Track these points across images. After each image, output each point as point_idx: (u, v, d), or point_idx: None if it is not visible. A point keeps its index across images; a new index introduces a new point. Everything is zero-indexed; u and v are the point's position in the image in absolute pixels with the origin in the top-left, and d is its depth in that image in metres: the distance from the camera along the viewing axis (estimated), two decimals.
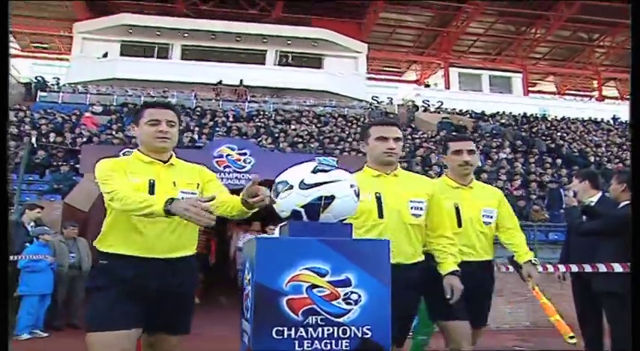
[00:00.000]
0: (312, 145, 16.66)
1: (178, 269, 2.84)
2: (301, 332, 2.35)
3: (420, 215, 3.16)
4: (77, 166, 13.28)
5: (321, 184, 2.21)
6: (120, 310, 2.70)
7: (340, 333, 2.35)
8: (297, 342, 2.35)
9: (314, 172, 2.23)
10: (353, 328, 2.37)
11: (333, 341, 2.41)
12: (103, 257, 2.84)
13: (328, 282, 2.28)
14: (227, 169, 9.70)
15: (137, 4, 30.81)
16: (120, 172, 2.83)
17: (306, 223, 2.40)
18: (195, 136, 17.46)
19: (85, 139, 16.12)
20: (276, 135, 18.18)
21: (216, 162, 9.64)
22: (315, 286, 2.29)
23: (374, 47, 33.73)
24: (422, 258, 3.21)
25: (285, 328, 2.32)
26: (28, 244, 8.05)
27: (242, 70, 29.35)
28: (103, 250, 2.85)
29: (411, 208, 3.12)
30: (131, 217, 2.76)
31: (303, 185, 2.24)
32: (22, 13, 32.05)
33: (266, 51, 31.60)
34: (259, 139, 17.47)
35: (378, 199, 3.06)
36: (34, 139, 15.56)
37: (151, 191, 2.81)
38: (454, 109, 28.99)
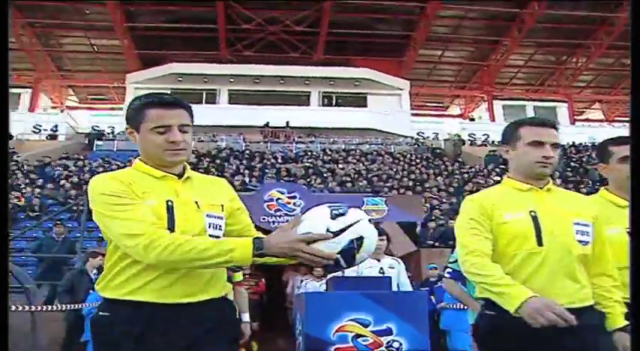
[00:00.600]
0: (360, 184, 17.06)
1: (203, 317, 2.15)
2: None
3: (588, 243, 2.41)
4: None
5: (347, 227, 2.14)
6: None
7: None
8: None
9: (333, 217, 2.14)
10: None
11: None
12: (104, 307, 2.20)
13: (371, 331, 2.67)
14: (278, 212, 10.09)
15: (184, 53, 32.09)
16: (132, 197, 2.13)
17: (348, 278, 2.81)
18: (246, 179, 18.09)
19: None
20: (325, 175, 18.66)
21: (267, 206, 10.04)
22: (359, 335, 2.69)
23: (416, 83, 34.22)
24: (592, 302, 2.40)
25: None
26: (91, 291, 8.29)
27: (287, 112, 30.17)
28: (106, 296, 2.19)
29: (577, 232, 2.38)
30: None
31: (331, 233, 2.12)
32: (80, 68, 33.89)
33: (310, 92, 32.44)
34: (308, 179, 17.99)
35: (535, 220, 2.37)
36: None
37: (170, 216, 2.13)
38: (500, 141, 29.01)
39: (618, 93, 36.28)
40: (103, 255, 9.44)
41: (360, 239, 2.11)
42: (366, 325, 2.66)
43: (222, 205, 2.27)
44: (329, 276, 5.67)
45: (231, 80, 31.78)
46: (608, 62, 34.37)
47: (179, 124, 2.17)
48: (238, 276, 4.64)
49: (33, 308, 7.38)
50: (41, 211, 14.16)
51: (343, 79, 32.01)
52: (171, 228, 2.09)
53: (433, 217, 13.21)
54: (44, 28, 31.12)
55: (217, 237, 2.17)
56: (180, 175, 2.25)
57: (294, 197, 10.06)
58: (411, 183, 17.75)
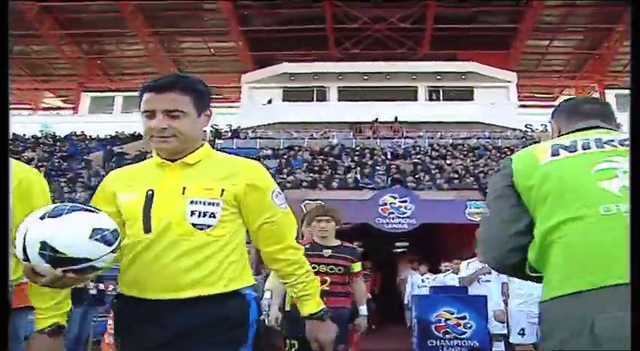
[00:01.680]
0: (467, 180, 18.17)
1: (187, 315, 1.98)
2: (441, 343, 4.75)
3: (211, 226, 2.12)
4: None
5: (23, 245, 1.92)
6: None
7: (462, 344, 4.89)
8: (440, 348, 4.71)
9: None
10: (468, 341, 4.92)
11: (458, 348, 4.82)
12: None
13: (455, 317, 4.83)
14: (391, 215, 11.77)
15: (295, 53, 34.13)
16: (97, 203, 2.14)
17: (443, 287, 5.73)
18: (358, 176, 19.64)
19: None
20: (433, 171, 19.88)
21: (382, 209, 11.70)
22: (448, 319, 4.84)
23: (524, 75, 34.41)
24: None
25: (434, 340, 4.73)
26: None
27: (395, 107, 31.41)
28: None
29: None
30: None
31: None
32: (198, 70, 36.82)
33: (417, 87, 33.51)
34: (417, 176, 19.31)
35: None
36: None
37: (148, 206, 2.05)
38: None
39: None
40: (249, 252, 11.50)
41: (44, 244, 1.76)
42: (452, 313, 4.43)
43: (222, 190, 2.06)
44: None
45: (340, 78, 33.41)
46: None
47: (164, 110, 2.03)
48: (357, 266, 4.77)
49: None
50: None
51: (449, 73, 32.83)
52: (146, 218, 2.02)
53: None
54: (167, 35, 34.13)
55: (206, 226, 2.03)
56: (174, 161, 2.12)
57: (405, 201, 11.62)
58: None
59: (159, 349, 1.98)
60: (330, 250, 4.60)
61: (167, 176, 2.11)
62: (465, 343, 3.80)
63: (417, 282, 12.54)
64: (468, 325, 4.44)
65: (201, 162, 2.14)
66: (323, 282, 4.22)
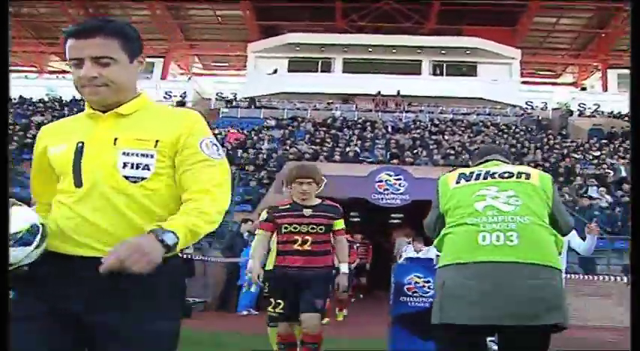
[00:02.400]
0: (463, 157, 18.91)
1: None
2: (410, 299, 5.33)
3: (145, 178, 2.02)
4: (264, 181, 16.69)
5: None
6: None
7: (425, 301, 5.41)
8: (409, 303, 5.29)
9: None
10: (430, 298, 5.76)
11: (422, 303, 5.29)
12: None
13: (422, 280, 5.44)
14: (386, 191, 12.86)
15: (302, 23, 34.55)
16: (35, 156, 2.13)
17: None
18: (358, 150, 20.39)
19: (264, 155, 19.52)
20: (431, 147, 20.63)
21: (378, 186, 12.77)
22: (416, 282, 5.45)
23: (528, 52, 34.86)
24: None
25: (405, 297, 5.36)
26: (244, 249, 10.72)
27: (399, 81, 31.98)
28: None
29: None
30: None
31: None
32: (205, 38, 37.37)
33: (421, 61, 34.01)
34: (415, 151, 20.08)
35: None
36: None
37: (77, 159, 1.95)
38: (612, 112, 29.55)
39: None
40: (252, 221, 12.27)
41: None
42: (420, 277, 5.17)
43: (156, 141, 1.96)
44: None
45: (345, 49, 33.90)
46: None
47: (92, 57, 1.90)
48: (339, 223, 4.68)
49: (206, 258, 10.22)
50: None
51: (454, 48, 33.28)
52: (76, 171, 1.93)
53: None
54: (175, 1, 34.49)
55: (140, 178, 1.93)
56: (105, 111, 1.99)
57: (400, 179, 12.62)
58: (511, 156, 19.37)
59: (73, 306, 1.84)
60: (310, 210, 4.55)
61: (98, 127, 1.98)
62: (427, 300, 4.64)
63: (410, 253, 13.42)
64: (431, 287, 5.25)
65: (137, 113, 2.02)
66: (304, 242, 4.47)
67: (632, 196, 2.14)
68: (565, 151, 20.52)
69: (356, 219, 17.52)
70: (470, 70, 33.97)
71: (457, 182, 2.95)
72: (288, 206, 4.64)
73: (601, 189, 15.29)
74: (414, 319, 4.22)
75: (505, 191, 2.81)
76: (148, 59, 31.96)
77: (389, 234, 17.64)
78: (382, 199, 12.76)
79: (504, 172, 2.91)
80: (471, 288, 2.62)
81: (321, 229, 4.53)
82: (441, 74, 33.99)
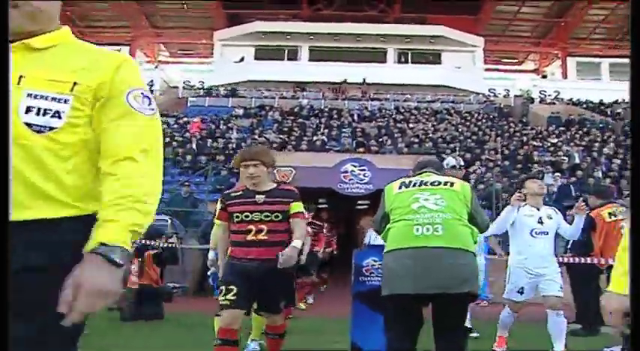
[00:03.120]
0: (426, 145, 19.65)
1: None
2: (367, 279, 5.55)
3: (55, 128, 1.63)
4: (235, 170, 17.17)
5: None
6: None
7: (379, 280, 5.72)
8: (367, 282, 5.49)
9: None
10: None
11: (377, 282, 5.18)
12: None
13: (378, 263, 5.76)
14: (351, 181, 13.60)
15: (269, 12, 34.92)
16: None
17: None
18: (325, 138, 20.96)
19: (234, 145, 19.95)
20: (395, 135, 21.30)
21: (343, 176, 13.54)
22: (373, 265, 5.78)
23: (491, 39, 35.78)
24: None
25: (363, 277, 5.63)
26: None
27: (365, 69, 32.57)
28: None
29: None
30: None
31: None
32: (169, 25, 37.44)
33: (386, 49, 34.68)
34: (380, 139, 20.74)
35: None
36: (194, 146, 19.80)
37: None
38: (570, 99, 30.64)
39: None
40: None
41: None
42: (375, 261, 5.59)
43: (74, 83, 1.62)
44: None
45: (311, 38, 34.38)
46: None
47: None
48: (296, 206, 4.23)
49: (183, 247, 10.79)
50: None
51: (419, 36, 34.05)
52: None
53: (484, 179, 15.73)
54: None
55: (47, 128, 1.57)
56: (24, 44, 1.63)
57: (364, 170, 13.37)
58: (472, 144, 20.17)
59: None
60: (263, 196, 4.14)
61: (16, 63, 1.59)
62: (381, 279, 5.24)
63: (372, 237, 14.11)
64: None
65: (54, 48, 1.68)
66: (259, 231, 4.08)
67: (632, 196, 2.23)
68: (524, 139, 21.34)
69: (324, 205, 18.16)
70: (434, 58, 34.74)
71: (399, 189, 3.88)
72: (240, 192, 4.25)
73: (555, 174, 16.10)
74: (371, 294, 4.80)
75: (434, 195, 3.72)
76: (114, 47, 31.99)
77: (356, 221, 18.33)
78: (347, 188, 13.56)
79: (434, 181, 3.85)
80: (408, 267, 3.53)
81: (276, 217, 4.12)
82: (406, 62, 34.71)
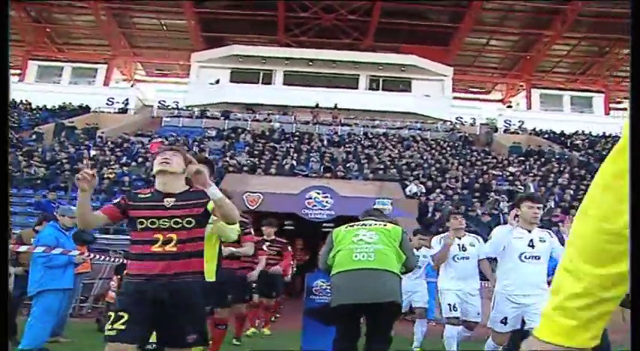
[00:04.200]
0: (391, 171, 20.65)
1: None
2: (318, 297, 6.29)
3: None
4: None
5: None
6: None
7: (328, 299, 6.36)
8: (316, 300, 6.26)
9: None
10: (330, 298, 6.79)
11: (326, 300, 6.06)
12: None
13: (326, 285, 6.39)
14: (314, 207, 14.91)
15: (245, 36, 35.96)
16: None
17: None
18: (294, 163, 21.86)
19: None
20: (362, 161, 22.29)
21: (307, 202, 14.71)
22: (322, 285, 6.44)
23: (460, 70, 37.19)
24: None
25: (314, 296, 6.35)
26: None
27: (337, 94, 33.76)
28: None
29: None
30: None
31: None
32: (148, 45, 38.25)
33: (358, 76, 35.85)
34: (348, 165, 21.72)
35: None
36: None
37: None
38: (534, 129, 32.06)
39: None
40: None
41: None
42: (324, 282, 6.31)
43: None
44: None
45: (287, 62, 35.40)
46: None
47: None
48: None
49: None
50: (131, 188, 18.02)
51: (390, 64, 35.25)
52: None
53: (442, 207, 16.73)
54: (121, 9, 35.22)
55: None
56: None
57: (327, 197, 14.43)
58: (435, 172, 21.22)
59: None
60: (173, 199, 3.51)
61: None
62: (328, 297, 5.96)
63: None
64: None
65: None
66: (167, 242, 3.41)
67: (632, 196, 1.48)
68: (485, 168, 22.45)
69: (291, 227, 19.02)
70: (405, 86, 35.94)
71: (345, 229, 5.13)
72: (148, 195, 3.60)
73: (508, 204, 17.16)
74: (320, 310, 5.67)
75: (370, 232, 4.93)
76: (92, 65, 32.59)
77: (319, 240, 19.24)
78: (310, 214, 14.77)
79: (372, 223, 5.10)
80: (349, 283, 4.70)
81: (188, 223, 3.46)
82: (377, 89, 35.86)
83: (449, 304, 6.40)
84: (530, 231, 5.29)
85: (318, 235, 20.16)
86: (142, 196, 3.58)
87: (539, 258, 5.20)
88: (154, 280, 3.34)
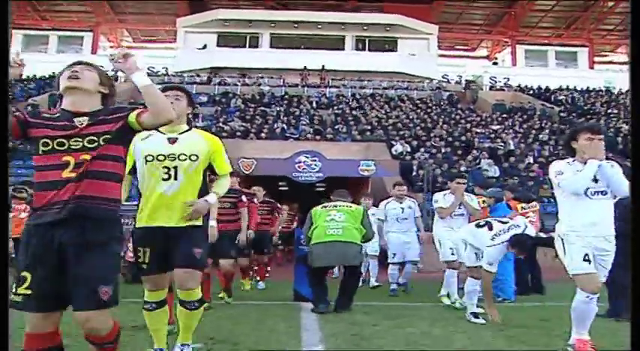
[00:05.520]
0: (378, 132, 21.70)
1: None
2: (303, 247, 7.36)
3: None
4: None
5: None
6: None
7: None
8: (303, 250, 7.32)
9: None
10: None
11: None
12: None
13: None
14: (304, 170, 16.23)
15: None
16: None
17: None
18: (284, 126, 22.86)
19: None
20: (350, 123, 23.32)
21: (297, 166, 16.08)
22: None
23: (445, 28, 37.99)
24: None
25: (301, 246, 7.47)
26: None
27: (323, 56, 34.57)
28: None
29: None
30: None
31: None
32: (132, 11, 38.70)
33: (345, 37, 36.64)
34: (336, 126, 22.76)
35: None
36: None
37: None
38: (519, 85, 33.07)
39: None
40: None
41: None
42: None
43: None
44: None
45: (272, 25, 36.09)
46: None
47: None
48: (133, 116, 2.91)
49: None
50: None
51: (376, 24, 36.05)
52: None
53: (426, 165, 17.83)
54: None
55: None
56: None
57: (315, 160, 15.72)
58: (420, 131, 22.26)
59: None
60: (85, 118, 2.87)
61: None
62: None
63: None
64: None
65: None
66: (79, 165, 2.79)
67: (632, 196, 2.50)
68: (469, 126, 23.52)
69: (285, 188, 20.15)
70: (391, 46, 36.77)
71: (321, 209, 6.90)
72: (57, 114, 2.92)
73: (488, 161, 18.33)
74: (305, 257, 6.95)
75: (339, 213, 6.76)
76: (78, 33, 33.06)
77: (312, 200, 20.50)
78: (301, 177, 16.22)
79: (340, 204, 6.95)
80: (324, 251, 6.54)
81: (105, 141, 2.86)
82: (364, 49, 36.72)
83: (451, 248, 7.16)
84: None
85: (312, 195, 21.65)
86: (48, 115, 2.91)
87: (605, 193, 4.49)
88: (60, 214, 2.70)
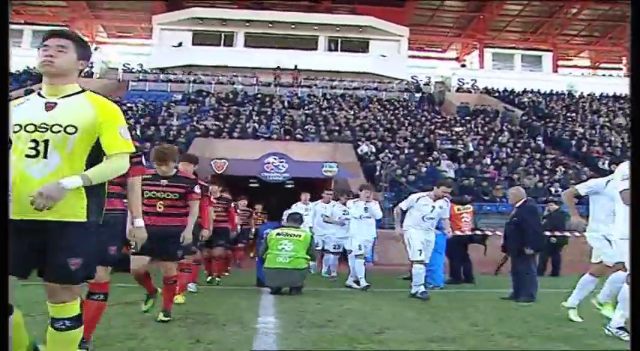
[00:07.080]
0: (346, 133, 23.03)
1: None
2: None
3: None
4: None
5: None
6: None
7: None
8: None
9: None
10: None
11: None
12: None
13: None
14: (272, 171, 17.73)
15: None
16: None
17: None
18: (256, 125, 24.06)
19: (175, 131, 22.73)
20: (320, 123, 24.59)
21: (266, 166, 17.56)
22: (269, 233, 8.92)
23: (416, 29, 39.44)
24: None
25: (262, 241, 8.73)
26: None
27: (297, 56, 35.87)
28: None
29: None
30: None
31: None
32: (107, 7, 39.50)
33: (318, 37, 37.94)
34: (306, 127, 24.04)
35: None
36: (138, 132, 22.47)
37: None
38: (485, 87, 34.60)
39: (604, 43, 41.25)
40: None
41: None
42: (268, 232, 8.68)
43: None
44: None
45: (247, 24, 37.22)
46: (598, 13, 38.93)
47: None
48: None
49: None
50: None
51: (348, 25, 37.44)
52: None
53: (389, 166, 19.22)
54: None
55: None
56: None
57: (283, 161, 17.17)
58: (386, 132, 23.61)
59: None
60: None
61: None
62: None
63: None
64: None
65: None
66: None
67: (632, 196, 2.54)
68: (433, 127, 24.93)
69: (255, 185, 21.36)
70: (362, 47, 38.17)
71: (275, 236, 8.30)
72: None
73: (448, 162, 19.79)
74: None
75: (290, 243, 8.15)
76: (51, 28, 34.18)
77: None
78: (269, 176, 17.77)
79: (291, 234, 8.32)
80: (275, 275, 8.06)
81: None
82: (336, 50, 38.06)
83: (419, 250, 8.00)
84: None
85: (280, 193, 23.02)
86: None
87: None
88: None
